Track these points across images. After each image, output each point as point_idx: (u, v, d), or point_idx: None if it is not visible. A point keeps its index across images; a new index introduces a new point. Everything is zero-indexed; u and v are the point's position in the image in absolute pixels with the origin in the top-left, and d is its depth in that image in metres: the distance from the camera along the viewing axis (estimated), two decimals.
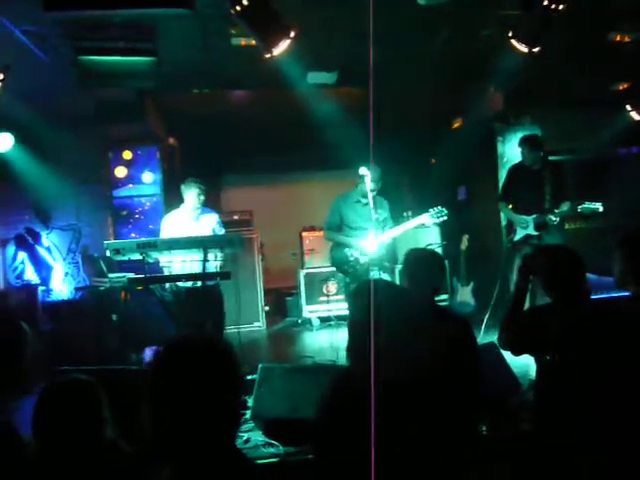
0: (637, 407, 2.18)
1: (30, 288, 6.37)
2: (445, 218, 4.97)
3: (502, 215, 6.48)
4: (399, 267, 7.23)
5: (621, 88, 6.63)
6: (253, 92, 6.98)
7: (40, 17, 3.65)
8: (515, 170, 5.73)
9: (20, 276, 6.58)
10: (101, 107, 6.16)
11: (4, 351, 2.10)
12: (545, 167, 5.42)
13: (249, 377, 4.27)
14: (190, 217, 5.13)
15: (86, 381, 1.94)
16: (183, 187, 5.11)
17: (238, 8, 3.44)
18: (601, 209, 5.14)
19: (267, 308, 7.62)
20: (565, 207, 5.21)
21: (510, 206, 5.60)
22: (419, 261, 2.79)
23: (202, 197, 5.09)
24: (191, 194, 5.07)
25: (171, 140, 7.89)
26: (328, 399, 1.77)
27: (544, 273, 2.60)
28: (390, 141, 7.80)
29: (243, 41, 4.51)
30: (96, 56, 4.40)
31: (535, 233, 5.32)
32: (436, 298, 2.94)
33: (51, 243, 6.87)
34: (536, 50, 4.14)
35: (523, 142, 5.51)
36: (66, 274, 6.86)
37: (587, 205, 5.13)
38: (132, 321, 5.75)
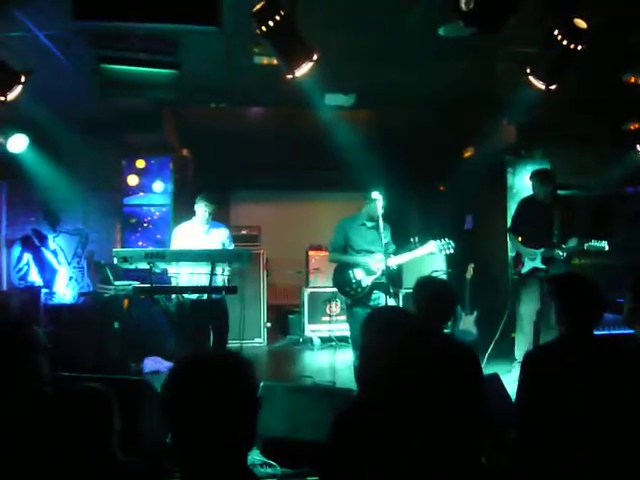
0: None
1: (33, 290, 6.38)
2: (452, 251, 4.98)
3: (510, 246, 6.49)
4: (403, 292, 7.27)
5: (632, 128, 6.69)
6: (269, 109, 7.05)
7: (66, 24, 3.70)
8: (526, 203, 5.77)
9: (24, 277, 6.60)
10: (118, 115, 6.22)
11: (17, 353, 2.11)
12: (555, 202, 5.47)
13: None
14: (201, 230, 5.16)
15: (101, 390, 1.94)
16: (196, 200, 5.17)
17: (264, 28, 3.48)
18: (607, 248, 5.19)
19: (269, 325, 7.61)
20: (573, 243, 5.26)
21: (520, 238, 5.63)
22: (430, 291, 2.79)
23: (208, 213, 5.11)
24: (199, 209, 5.12)
25: (185, 152, 7.95)
26: (339, 426, 1.77)
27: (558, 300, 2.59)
28: (401, 166, 7.92)
29: (265, 60, 4.57)
30: (118, 65, 4.47)
31: (542, 266, 5.35)
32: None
33: (57, 246, 6.90)
34: (553, 87, 4.18)
35: (535, 176, 5.55)
36: (70, 278, 6.88)
37: (593, 243, 5.18)
38: (134, 330, 5.75)
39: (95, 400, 1.93)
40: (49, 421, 1.82)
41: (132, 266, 4.62)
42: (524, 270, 5.48)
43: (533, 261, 5.41)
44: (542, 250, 5.35)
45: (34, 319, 5.82)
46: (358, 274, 4.91)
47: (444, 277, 7.20)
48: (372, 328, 1.83)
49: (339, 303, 7.07)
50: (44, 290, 6.47)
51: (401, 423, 1.70)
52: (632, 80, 5.24)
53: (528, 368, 2.52)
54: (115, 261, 4.57)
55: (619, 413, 2.29)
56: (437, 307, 2.70)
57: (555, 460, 2.32)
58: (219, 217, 6.05)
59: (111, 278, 5.48)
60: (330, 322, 7.00)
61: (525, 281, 5.48)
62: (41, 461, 1.79)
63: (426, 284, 2.85)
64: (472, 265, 6.93)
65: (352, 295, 4.92)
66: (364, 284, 4.87)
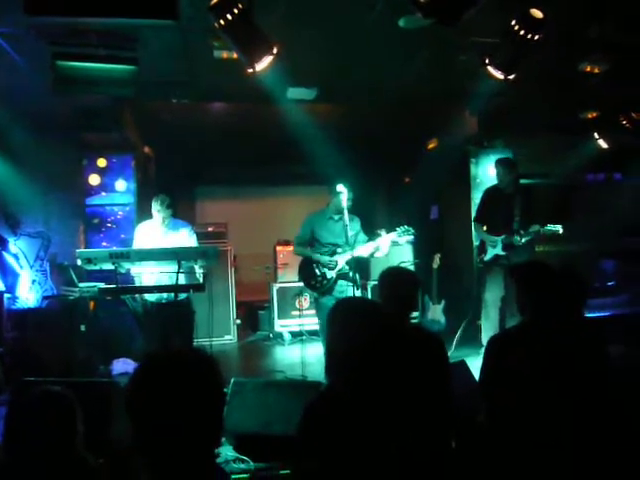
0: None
1: None
2: (411, 237, 5.03)
3: (474, 235, 6.60)
4: (371, 283, 7.32)
5: (589, 116, 6.85)
6: (231, 104, 6.98)
7: (17, 19, 3.59)
8: (490, 192, 5.91)
9: None
10: (77, 113, 6.08)
11: None
12: (517, 191, 5.61)
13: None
14: (160, 231, 5.00)
15: (62, 393, 1.90)
16: (152, 203, 4.96)
17: (222, 22, 3.46)
18: (561, 231, 5.35)
19: (239, 321, 7.58)
20: (532, 229, 5.38)
21: (484, 227, 5.75)
22: (393, 279, 2.81)
23: (162, 217, 4.91)
24: (154, 213, 4.94)
25: (147, 149, 7.82)
26: (308, 417, 1.77)
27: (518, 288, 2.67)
28: (366, 159, 7.95)
29: (225, 54, 4.51)
30: (74, 62, 4.36)
31: (503, 253, 5.49)
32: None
33: (19, 250, 6.70)
34: (511, 77, 4.26)
35: (499, 164, 5.70)
36: (33, 282, 6.70)
37: (549, 227, 5.34)
38: (101, 332, 5.65)
39: (55, 403, 1.89)
40: (9, 426, 1.78)
41: (96, 267, 4.53)
42: (487, 258, 5.63)
43: (494, 248, 5.55)
44: (502, 237, 5.49)
45: None
46: (323, 267, 4.96)
47: (411, 267, 7.28)
48: (336, 317, 1.84)
49: (308, 297, 7.07)
50: (6, 295, 6.29)
51: (369, 410, 1.71)
52: (587, 69, 5.36)
53: (491, 352, 2.59)
54: (79, 262, 4.48)
55: (578, 394, 2.36)
56: (401, 296, 2.72)
57: (517, 441, 2.38)
58: (185, 214, 6.01)
59: (75, 280, 5.37)
60: (300, 316, 7.00)
61: (489, 268, 5.63)
62: (4, 468, 1.75)
63: (389, 274, 2.87)
64: (438, 255, 7.02)
65: (318, 288, 4.98)
66: (329, 276, 4.93)
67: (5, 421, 1.79)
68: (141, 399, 1.32)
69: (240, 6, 3.44)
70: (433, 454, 2.23)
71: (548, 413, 2.34)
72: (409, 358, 1.96)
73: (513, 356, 2.47)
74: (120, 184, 6.94)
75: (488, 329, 5.49)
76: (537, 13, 3.86)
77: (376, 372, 1.74)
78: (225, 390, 3.81)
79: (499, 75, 4.23)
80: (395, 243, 5.18)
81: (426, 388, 2.17)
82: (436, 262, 6.99)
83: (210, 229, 7.73)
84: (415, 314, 7.28)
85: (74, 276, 5.34)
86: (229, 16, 3.43)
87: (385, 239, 4.95)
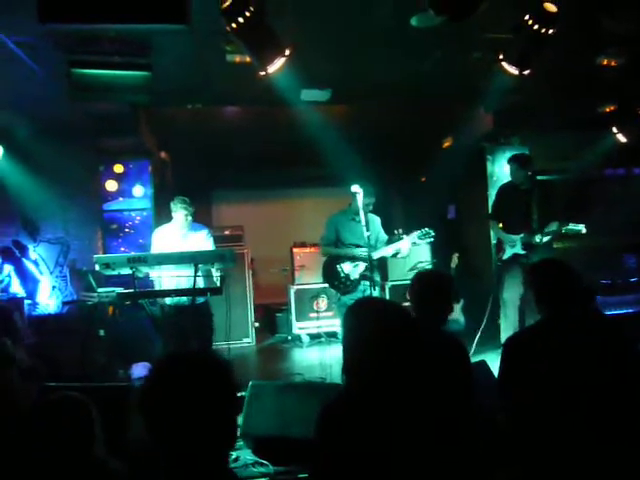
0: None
1: (16, 301, 6.29)
2: (431, 240, 5.03)
3: (492, 233, 6.50)
4: (389, 284, 7.29)
5: (607, 110, 6.75)
6: (246, 108, 7.01)
7: (33, 28, 3.63)
8: (505, 189, 5.79)
9: (6, 289, 6.49)
10: (94, 120, 6.14)
11: None
12: (534, 187, 5.48)
13: (239, 394, 4.23)
14: (179, 234, 5.06)
15: (79, 399, 1.91)
16: (172, 205, 5.02)
17: (234, 25, 3.46)
18: (584, 230, 5.23)
19: (257, 324, 7.59)
20: (552, 227, 5.28)
21: (500, 225, 5.65)
22: (428, 284, 2.76)
23: (190, 218, 4.99)
24: (179, 215, 4.97)
25: (163, 154, 7.88)
26: (325, 418, 1.76)
27: (535, 287, 2.64)
28: (381, 159, 7.92)
29: (238, 58, 4.52)
30: (89, 69, 4.40)
31: (523, 252, 5.37)
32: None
33: (38, 256, 6.81)
34: (526, 72, 4.21)
35: (512, 160, 5.57)
36: (53, 288, 6.80)
37: (571, 227, 5.22)
38: (120, 337, 5.69)
39: (72, 408, 1.90)
40: (25, 432, 1.79)
41: (115, 272, 4.57)
42: (505, 256, 5.51)
43: (513, 247, 5.43)
44: (521, 236, 5.37)
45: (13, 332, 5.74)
46: (346, 268, 5.00)
47: (429, 267, 7.23)
48: (352, 316, 1.82)
49: (326, 299, 7.06)
50: (27, 301, 6.38)
51: (386, 412, 1.69)
52: (604, 62, 5.28)
53: (508, 351, 2.56)
54: (97, 268, 4.52)
55: (597, 392, 2.31)
56: (431, 300, 2.67)
57: (536, 438, 2.34)
58: (202, 218, 5.99)
59: (94, 285, 5.42)
60: (318, 318, 6.99)
61: (507, 267, 5.50)
62: (23, 473, 1.76)
63: (421, 277, 2.82)
64: (457, 254, 6.96)
65: (341, 288, 5.02)
66: (352, 277, 4.96)
67: (25, 427, 1.80)
68: (153, 399, 1.33)
69: (252, 9, 3.44)
70: (454, 454, 2.20)
71: (566, 412, 2.30)
72: (428, 360, 1.94)
73: (530, 355, 2.43)
74: (138, 189, 6.99)
75: (507, 328, 5.40)
76: (551, 7, 3.81)
77: (393, 373, 1.72)
78: (242, 393, 3.82)
79: (514, 71, 4.18)
80: (414, 243, 5.17)
81: (446, 390, 2.14)
82: (454, 262, 6.93)
83: (227, 232, 7.76)
84: None
85: (93, 281, 5.40)
86: (241, 19, 3.43)
87: (405, 241, 4.96)
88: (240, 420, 3.76)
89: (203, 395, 1.34)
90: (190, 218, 5.01)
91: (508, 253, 5.48)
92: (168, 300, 4.98)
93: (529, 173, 5.48)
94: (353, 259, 5.00)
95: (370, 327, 1.72)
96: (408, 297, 2.86)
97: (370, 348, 1.71)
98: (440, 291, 2.73)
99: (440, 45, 4.94)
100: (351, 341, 1.78)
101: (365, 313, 1.79)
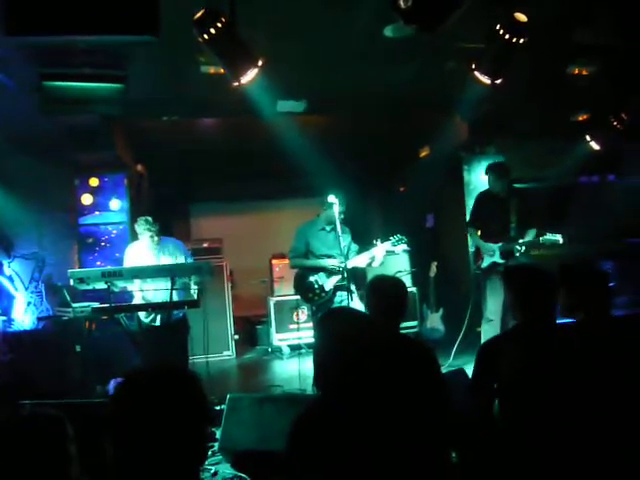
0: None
1: None
2: (405, 245, 5.02)
3: (470, 242, 6.52)
4: None
5: (580, 119, 6.86)
6: (222, 120, 6.99)
7: (3, 41, 3.59)
8: (482, 197, 5.83)
9: None
10: (68, 133, 6.07)
11: None
12: (511, 195, 5.54)
13: (218, 408, 4.19)
14: (151, 254, 4.96)
15: (53, 415, 1.85)
16: (136, 227, 4.89)
17: (206, 36, 3.45)
18: (561, 241, 5.27)
19: (237, 337, 7.53)
20: (531, 235, 5.33)
21: (479, 232, 5.68)
22: (380, 289, 2.77)
23: (156, 238, 4.86)
24: (144, 237, 4.85)
25: (139, 167, 7.82)
26: (297, 431, 1.74)
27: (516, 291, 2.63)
28: (360, 169, 7.95)
29: (212, 69, 4.52)
30: (61, 82, 4.36)
31: (501, 261, 5.39)
32: (403, 325, 2.93)
33: (13, 272, 6.67)
34: (498, 82, 4.25)
35: (490, 170, 5.62)
36: (29, 304, 6.66)
37: (548, 237, 5.26)
38: (97, 352, 5.59)
39: (46, 425, 1.84)
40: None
41: (89, 286, 4.52)
42: (484, 265, 5.53)
43: (492, 256, 5.45)
44: (500, 245, 5.40)
45: None
46: (320, 279, 4.91)
47: (408, 276, 7.25)
48: (321, 328, 1.81)
49: (306, 310, 7.03)
50: (2, 317, 6.25)
51: (358, 422, 1.67)
52: (576, 71, 5.37)
53: (482, 357, 2.56)
54: (72, 282, 4.45)
55: (573, 400, 2.32)
56: (388, 305, 2.67)
57: (509, 442, 2.34)
58: (180, 231, 5.96)
59: (69, 300, 5.33)
60: (298, 329, 6.96)
61: (487, 276, 5.51)
62: None
63: (376, 283, 2.81)
64: (435, 263, 7.01)
65: (316, 300, 4.93)
66: (327, 288, 4.88)
67: None
68: (120, 413, 1.30)
69: (223, 20, 3.44)
70: (430, 466, 2.18)
71: (538, 415, 2.30)
72: (397, 368, 1.92)
73: (503, 360, 2.43)
74: (114, 203, 6.92)
75: (488, 335, 5.41)
76: (521, 17, 3.86)
77: (363, 383, 1.70)
78: (221, 407, 3.77)
79: (486, 80, 4.22)
80: (391, 252, 5.17)
81: (417, 397, 2.13)
82: (433, 270, 6.97)
83: (205, 245, 7.71)
84: (414, 323, 7.26)
85: (68, 296, 5.30)
86: (212, 30, 3.42)
87: (379, 249, 4.93)
88: (218, 434, 3.71)
89: (170, 408, 1.33)
90: (156, 238, 4.87)
91: (487, 262, 5.51)
92: (144, 318, 4.91)
93: (506, 182, 5.53)
94: (324, 270, 4.94)
95: (337, 338, 1.71)
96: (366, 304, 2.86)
97: (338, 360, 1.69)
98: (397, 296, 2.73)
99: (415, 55, 4.98)
100: (320, 352, 1.77)
101: (332, 324, 1.78)
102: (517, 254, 5.31)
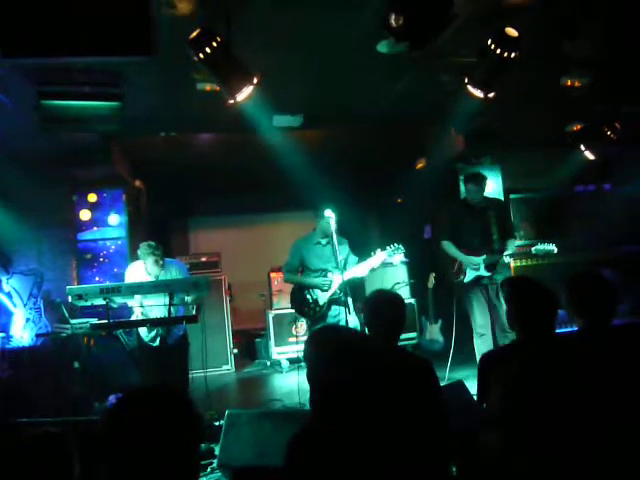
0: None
1: None
2: (402, 254, 5.03)
3: (447, 254, 5.69)
4: None
5: (575, 129, 6.90)
6: (218, 135, 7.03)
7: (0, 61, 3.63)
8: (456, 209, 5.70)
9: None
10: (66, 150, 6.10)
11: None
12: (489, 205, 5.46)
13: (217, 423, 4.18)
14: (154, 275, 4.93)
15: (57, 434, 1.85)
16: (139, 254, 4.87)
17: (201, 56, 3.49)
18: (555, 250, 5.20)
19: (236, 351, 7.53)
20: (512, 245, 5.26)
21: (455, 246, 5.49)
22: (377, 304, 2.76)
23: (161, 261, 4.84)
24: (149, 263, 4.82)
25: (137, 183, 7.85)
26: (293, 449, 1.75)
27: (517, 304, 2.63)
28: (357, 182, 7.98)
29: (208, 86, 4.56)
30: (59, 100, 4.39)
31: (487, 274, 5.29)
32: (402, 336, 2.93)
33: (11, 288, 6.68)
34: (491, 95, 4.29)
35: (472, 179, 5.48)
36: (27, 320, 6.66)
37: (541, 247, 5.20)
38: (95, 368, 5.59)
39: (51, 445, 1.83)
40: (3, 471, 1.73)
41: (88, 303, 4.52)
42: (467, 279, 5.37)
43: (477, 270, 5.29)
44: (484, 257, 5.27)
45: None
46: (314, 293, 4.94)
47: (406, 288, 7.26)
48: (311, 348, 1.81)
49: (304, 323, 7.03)
50: (0, 334, 6.25)
51: (353, 440, 1.68)
52: (569, 83, 5.42)
53: (483, 370, 2.56)
54: (70, 299, 4.46)
55: (576, 411, 2.32)
56: (386, 321, 2.67)
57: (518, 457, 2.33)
58: (179, 246, 5.98)
59: (67, 317, 5.33)
60: (297, 342, 6.95)
61: (471, 290, 5.39)
62: None
63: (372, 301, 2.79)
64: (433, 274, 7.00)
65: (311, 315, 4.96)
66: (321, 302, 4.90)
67: None
68: (111, 435, 1.32)
69: (218, 39, 3.48)
70: (428, 478, 2.19)
71: (540, 426, 2.30)
72: (393, 384, 1.93)
73: (507, 373, 2.43)
74: (112, 218, 6.95)
75: (482, 349, 5.25)
76: (512, 32, 3.91)
77: (357, 401, 1.71)
78: (216, 423, 3.76)
79: (479, 94, 4.27)
80: (390, 264, 5.18)
81: (414, 412, 2.14)
82: (431, 282, 6.97)
83: (204, 259, 7.72)
84: (413, 334, 7.25)
85: (66, 313, 5.31)
86: (208, 49, 3.46)
87: (377, 258, 4.95)
88: (217, 450, 3.71)
89: (161, 429, 1.34)
90: (161, 261, 4.86)
91: (470, 276, 5.36)
92: (144, 335, 4.91)
93: (484, 190, 5.48)
94: (315, 288, 4.93)
95: (327, 358, 1.72)
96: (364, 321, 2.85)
97: (330, 379, 1.70)
98: (395, 313, 2.73)
99: (408, 69, 5.03)
100: (312, 372, 1.78)
101: (318, 346, 1.78)
102: (499, 267, 5.24)
